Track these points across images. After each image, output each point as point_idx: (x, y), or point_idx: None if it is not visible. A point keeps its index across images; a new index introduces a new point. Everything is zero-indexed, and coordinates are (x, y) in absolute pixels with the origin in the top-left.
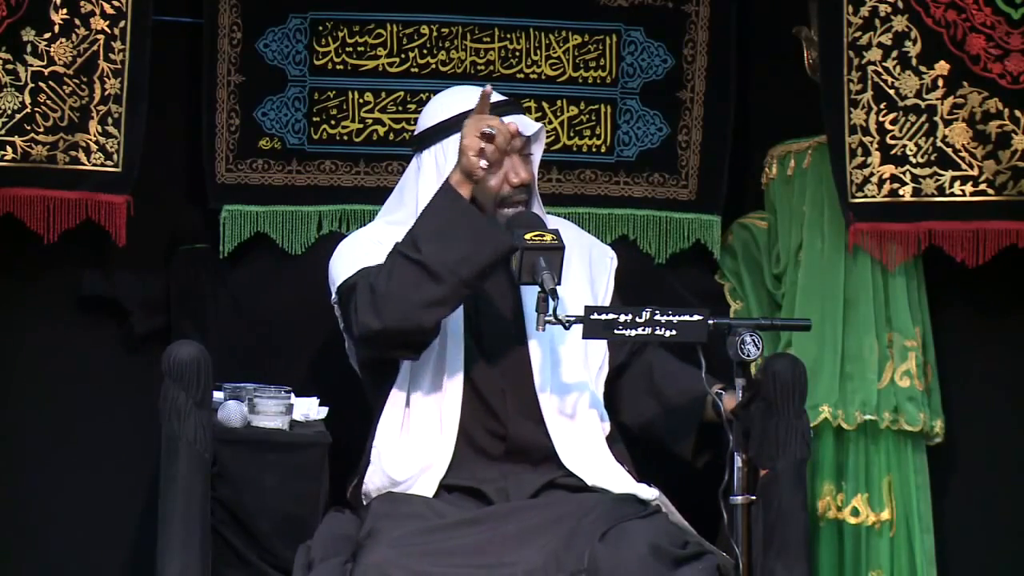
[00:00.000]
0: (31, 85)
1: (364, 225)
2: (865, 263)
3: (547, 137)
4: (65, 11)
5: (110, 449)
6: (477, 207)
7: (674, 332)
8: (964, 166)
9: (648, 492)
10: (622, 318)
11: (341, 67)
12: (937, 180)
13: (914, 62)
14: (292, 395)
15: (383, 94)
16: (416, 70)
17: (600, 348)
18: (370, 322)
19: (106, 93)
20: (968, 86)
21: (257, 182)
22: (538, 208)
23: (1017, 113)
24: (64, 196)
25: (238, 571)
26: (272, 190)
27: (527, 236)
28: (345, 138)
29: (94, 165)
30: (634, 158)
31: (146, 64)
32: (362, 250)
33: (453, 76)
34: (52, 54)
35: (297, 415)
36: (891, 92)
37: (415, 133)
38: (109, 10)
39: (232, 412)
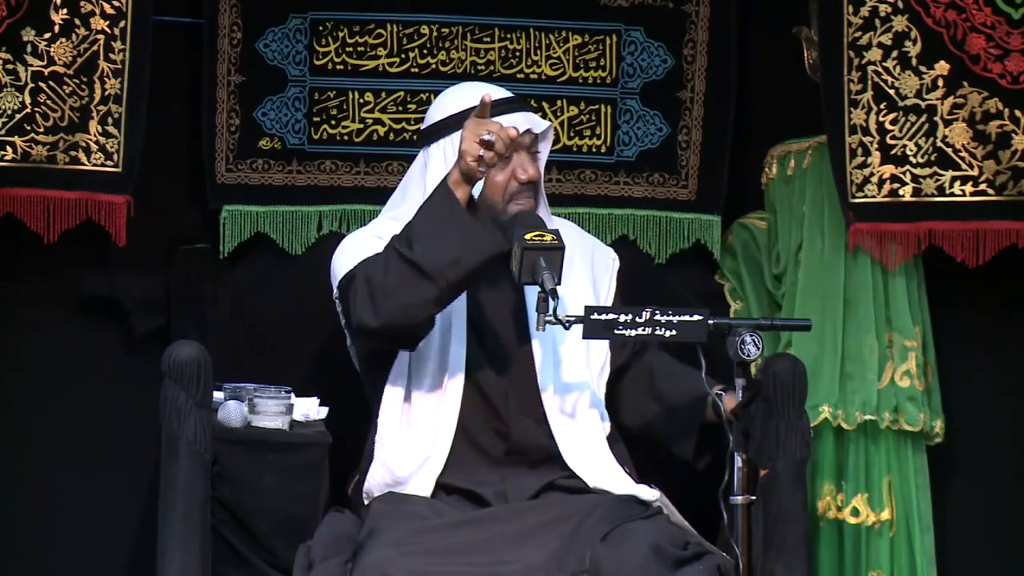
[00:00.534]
0: (31, 85)
1: (364, 225)
2: (865, 263)
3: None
4: (65, 11)
5: (110, 449)
6: (484, 203)
7: (674, 332)
8: (964, 166)
9: (649, 493)
10: (622, 318)
11: (341, 67)
12: (937, 180)
13: (914, 62)
14: (292, 395)
15: (383, 94)
16: (416, 70)
17: (602, 348)
18: (366, 318)
19: (106, 93)
20: (968, 86)
21: (257, 182)
22: (543, 207)
23: (1017, 113)
24: (64, 196)
25: (238, 571)
26: (272, 190)
27: (527, 236)
28: (345, 138)
29: (94, 165)
30: (634, 158)
31: (146, 64)
32: (365, 246)
33: (453, 76)
34: (52, 54)
35: (297, 415)
36: (891, 92)
37: (422, 127)
38: (109, 10)
39: (232, 412)
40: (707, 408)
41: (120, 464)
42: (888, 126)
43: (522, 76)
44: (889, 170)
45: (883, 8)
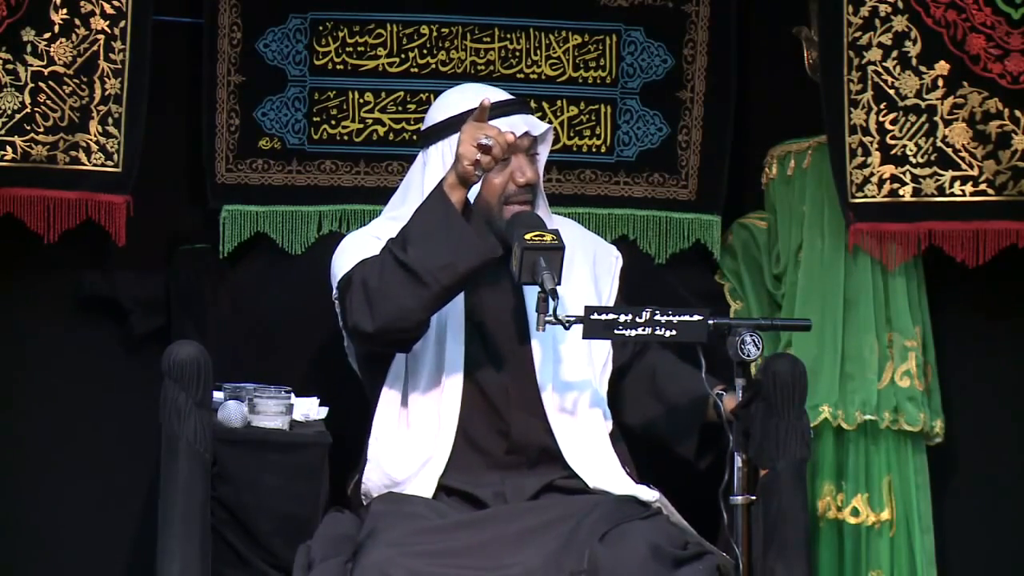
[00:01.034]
0: (31, 85)
1: (364, 225)
2: (865, 263)
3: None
4: (65, 11)
5: (110, 449)
6: (480, 204)
7: (674, 332)
8: (964, 166)
9: (649, 494)
10: (622, 318)
11: (341, 67)
12: (937, 180)
13: (914, 62)
14: (292, 395)
15: (383, 94)
16: (416, 70)
17: (604, 348)
18: (362, 322)
19: (106, 93)
20: (968, 86)
21: (257, 182)
22: (543, 208)
23: (1017, 113)
24: (64, 196)
25: (238, 571)
26: (272, 190)
27: (527, 236)
28: (345, 138)
29: (94, 165)
30: (634, 158)
31: (146, 64)
32: (364, 247)
33: (453, 76)
34: (52, 54)
35: (297, 415)
36: (891, 92)
37: (423, 128)
38: (109, 10)
39: (232, 412)
40: (708, 408)
41: (120, 464)
42: (888, 126)
43: (522, 76)
44: (889, 170)
45: (883, 8)
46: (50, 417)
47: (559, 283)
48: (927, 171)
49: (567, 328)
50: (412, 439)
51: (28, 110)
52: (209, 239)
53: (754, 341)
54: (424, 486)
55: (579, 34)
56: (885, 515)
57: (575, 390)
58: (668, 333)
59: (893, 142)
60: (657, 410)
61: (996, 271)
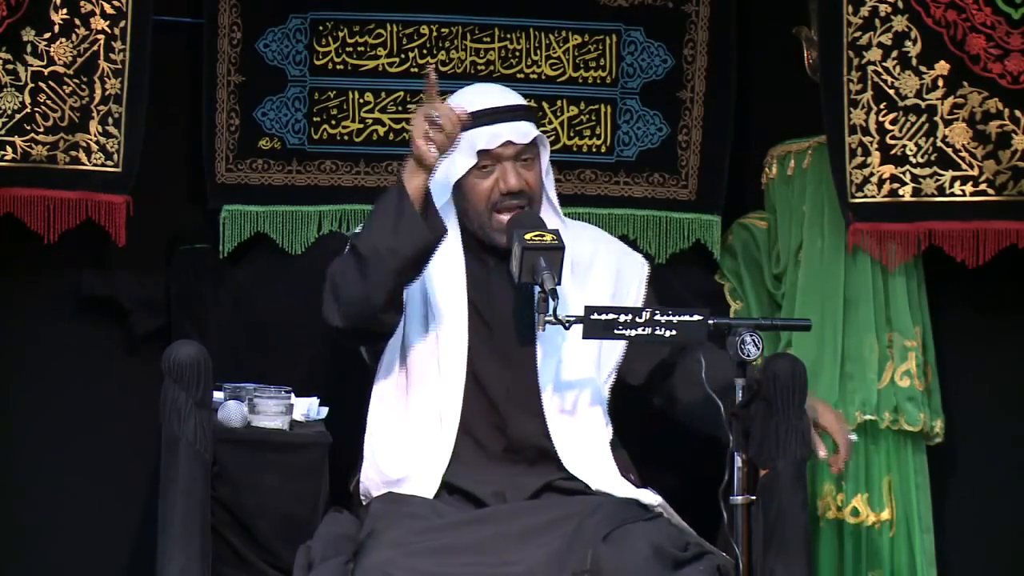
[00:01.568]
0: (31, 85)
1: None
2: (865, 263)
3: (547, 137)
4: (65, 11)
5: (110, 449)
6: (471, 210)
7: (674, 332)
8: (964, 166)
9: (651, 498)
10: (622, 318)
11: (341, 67)
12: (937, 180)
13: (914, 62)
14: (292, 395)
15: (383, 94)
16: (416, 70)
17: (614, 355)
18: (330, 316)
19: (106, 93)
20: (968, 86)
21: (257, 182)
22: (553, 214)
23: (1017, 113)
24: (64, 196)
25: (238, 571)
26: (272, 190)
27: (527, 236)
28: (345, 138)
29: (94, 165)
30: (634, 158)
31: (146, 64)
32: None
33: (453, 76)
34: (52, 54)
35: (297, 415)
36: (891, 92)
37: None
38: (109, 10)
39: (232, 412)
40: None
41: (120, 464)
42: (888, 126)
43: (522, 76)
44: (889, 170)
45: (883, 8)
46: (50, 417)
47: (559, 283)
48: (927, 171)
49: (567, 328)
50: (412, 435)
51: (28, 110)
52: (209, 239)
53: (754, 341)
54: (426, 483)
55: (579, 34)
56: (885, 515)
57: (576, 394)
58: (668, 333)
59: (893, 142)
60: (704, 398)
61: (996, 271)
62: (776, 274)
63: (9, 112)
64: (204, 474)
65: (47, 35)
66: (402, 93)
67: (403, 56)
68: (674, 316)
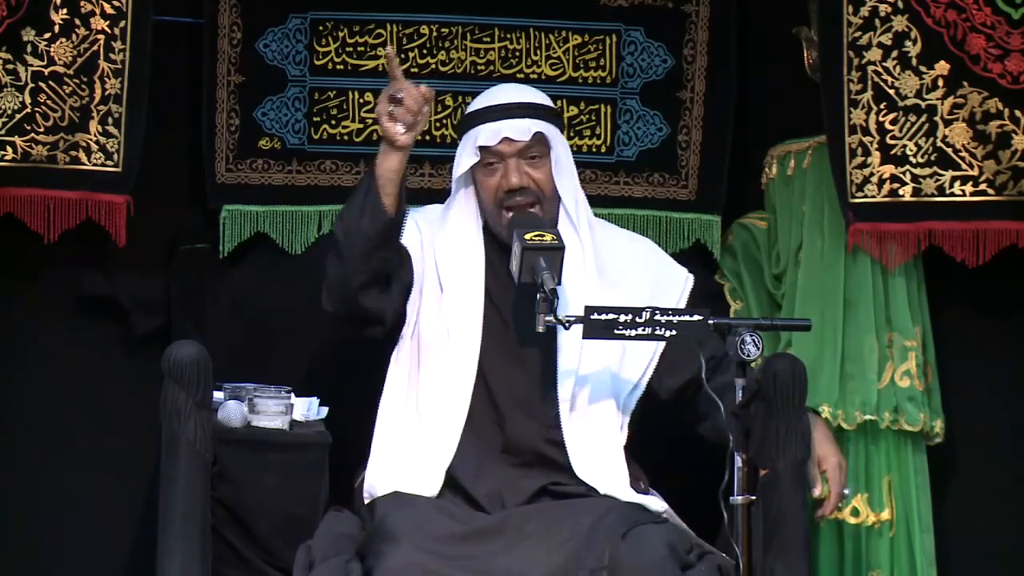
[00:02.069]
0: (31, 85)
1: None
2: (865, 263)
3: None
4: (65, 11)
5: (110, 449)
6: (484, 209)
7: (674, 332)
8: (964, 166)
9: (657, 504)
10: (622, 318)
11: (341, 67)
12: (937, 180)
13: (914, 62)
14: (292, 395)
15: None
16: (416, 70)
17: (643, 365)
18: (324, 305)
19: (106, 93)
20: (968, 86)
21: (257, 182)
22: (566, 215)
23: (1017, 113)
24: (64, 196)
25: (238, 571)
26: (272, 190)
27: (527, 236)
28: (345, 138)
29: (94, 165)
30: (634, 158)
31: (146, 64)
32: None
33: (453, 76)
34: (52, 54)
35: (297, 415)
36: (891, 92)
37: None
38: (109, 10)
39: (232, 412)
40: None
41: (120, 464)
42: (888, 126)
43: (522, 76)
44: (889, 170)
45: (883, 8)
46: (50, 417)
47: (559, 283)
48: (927, 171)
49: (567, 328)
50: (420, 429)
51: (28, 110)
52: (209, 239)
53: (754, 341)
54: (429, 479)
55: (579, 34)
56: (885, 515)
57: (593, 400)
58: (668, 333)
59: (893, 142)
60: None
61: (996, 271)
62: (776, 274)
63: (9, 112)
64: (204, 474)
65: (47, 35)
66: None
67: (403, 56)
68: (674, 316)
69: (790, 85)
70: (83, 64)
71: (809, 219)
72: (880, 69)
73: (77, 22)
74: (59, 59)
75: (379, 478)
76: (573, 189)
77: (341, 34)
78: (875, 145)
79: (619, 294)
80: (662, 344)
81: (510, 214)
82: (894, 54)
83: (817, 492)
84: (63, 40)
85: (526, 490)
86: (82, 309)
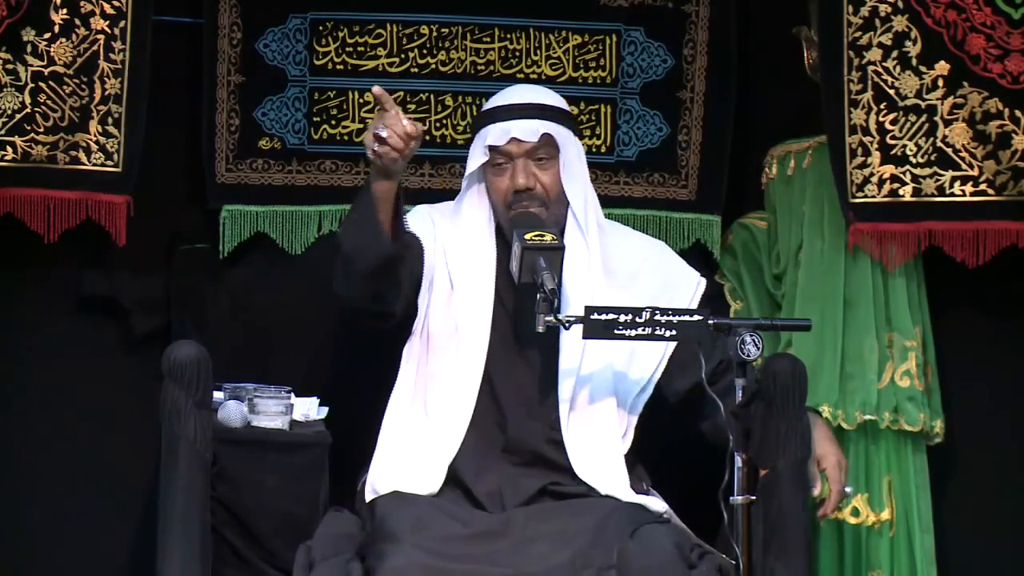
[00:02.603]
0: (31, 85)
1: None
2: (865, 263)
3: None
4: (65, 11)
5: (110, 449)
6: (495, 209)
7: (674, 332)
8: (964, 166)
9: (657, 504)
10: (622, 318)
11: (341, 67)
12: (937, 180)
13: (914, 62)
14: (292, 395)
15: None
16: (416, 70)
17: (651, 368)
18: (336, 291)
19: (106, 93)
20: (968, 86)
21: (257, 182)
22: (573, 218)
23: (1017, 113)
24: (64, 196)
25: (238, 571)
26: (272, 190)
27: (527, 236)
28: (345, 138)
29: (94, 165)
30: (634, 158)
31: (146, 64)
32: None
33: (453, 76)
34: (52, 54)
35: (297, 415)
36: (891, 92)
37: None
38: (109, 10)
39: (232, 412)
40: None
41: (120, 464)
42: (888, 126)
43: (522, 76)
44: (889, 170)
45: (883, 8)
46: (50, 417)
47: (559, 283)
48: (927, 171)
49: (567, 328)
50: (426, 425)
51: (28, 110)
52: (209, 239)
53: (754, 341)
54: (431, 476)
55: (579, 34)
56: (885, 515)
57: (597, 402)
58: (668, 333)
59: (893, 142)
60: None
61: (996, 271)
62: (776, 274)
63: (9, 112)
64: (204, 474)
65: (47, 35)
66: (402, 93)
67: (403, 56)
68: (674, 316)
69: (790, 85)
70: (83, 64)
71: (809, 219)
72: (880, 69)
73: (77, 22)
74: (59, 59)
75: (382, 474)
76: (583, 192)
77: (341, 34)
78: (875, 145)
79: (629, 296)
80: (671, 347)
81: (511, 214)
82: (894, 54)
83: (817, 491)
84: (63, 40)
85: (526, 490)
86: (82, 309)
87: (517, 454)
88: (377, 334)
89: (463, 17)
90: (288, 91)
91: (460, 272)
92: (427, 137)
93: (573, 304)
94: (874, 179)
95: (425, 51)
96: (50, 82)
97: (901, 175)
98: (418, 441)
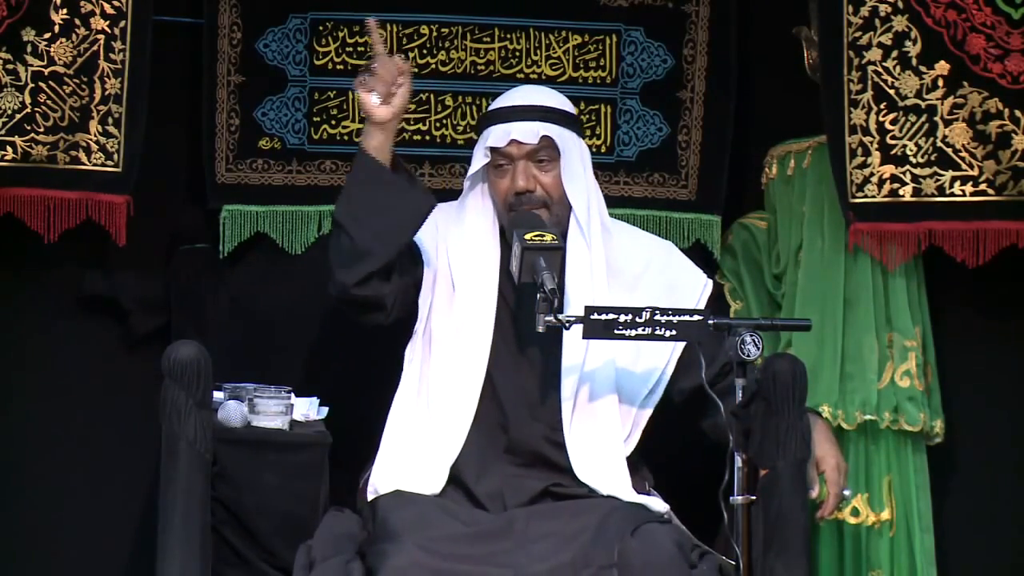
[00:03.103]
0: (31, 85)
1: None
2: (865, 263)
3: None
4: (65, 11)
5: (110, 449)
6: (496, 208)
7: (674, 332)
8: (964, 166)
9: (658, 504)
10: (622, 318)
11: (341, 67)
12: (937, 180)
13: (914, 62)
14: (292, 395)
15: None
16: (416, 70)
17: (659, 369)
18: (329, 290)
19: (106, 93)
20: (968, 86)
21: (257, 182)
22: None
23: (1017, 113)
24: (64, 196)
25: (238, 571)
26: (272, 190)
27: (527, 236)
28: (345, 138)
29: (94, 165)
30: (634, 158)
31: (146, 64)
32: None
33: (453, 76)
34: (52, 54)
35: (297, 415)
36: (891, 92)
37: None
38: (109, 10)
39: (232, 412)
40: None
41: (120, 464)
42: (888, 126)
43: (522, 76)
44: (889, 170)
45: (883, 8)
46: (50, 417)
47: (559, 283)
48: (927, 171)
49: (567, 328)
50: (428, 426)
51: (28, 110)
52: (209, 239)
53: (754, 341)
54: (433, 476)
55: (579, 34)
56: (885, 515)
57: (599, 403)
58: (668, 333)
59: (893, 142)
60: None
61: (996, 271)
62: (776, 274)
63: (9, 112)
64: (204, 474)
65: (47, 35)
66: None
67: (403, 56)
68: (674, 316)
69: (790, 85)
70: (83, 64)
71: (809, 219)
72: (880, 69)
73: (77, 22)
74: (59, 59)
75: (384, 474)
76: (585, 194)
77: (341, 34)
78: (875, 145)
79: (633, 297)
80: (679, 349)
81: (511, 215)
82: (894, 54)
83: (815, 494)
84: (63, 40)
85: (528, 491)
86: (82, 309)
87: (519, 455)
88: (375, 332)
89: (463, 17)
90: (288, 91)
91: (463, 273)
92: (427, 137)
93: (574, 305)
94: (874, 179)
95: (425, 51)
96: (50, 82)
97: (901, 175)
98: (421, 441)
